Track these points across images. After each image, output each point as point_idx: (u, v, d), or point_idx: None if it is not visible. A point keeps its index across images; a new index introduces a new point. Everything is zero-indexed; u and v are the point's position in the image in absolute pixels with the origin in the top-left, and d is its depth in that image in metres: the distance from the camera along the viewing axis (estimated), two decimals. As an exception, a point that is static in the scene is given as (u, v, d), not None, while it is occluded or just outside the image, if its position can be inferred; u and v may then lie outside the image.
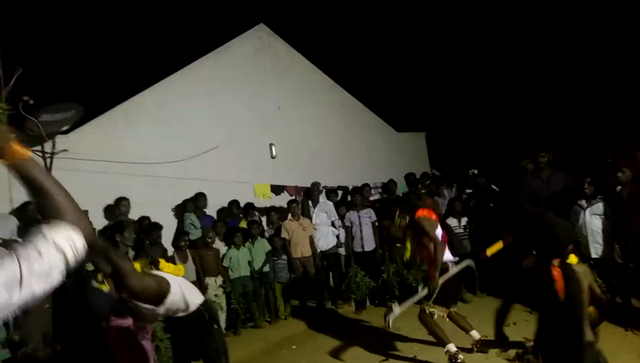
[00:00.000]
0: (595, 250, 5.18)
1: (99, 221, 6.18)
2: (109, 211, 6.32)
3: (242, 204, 7.30)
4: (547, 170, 5.95)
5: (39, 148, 6.11)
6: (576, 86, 9.89)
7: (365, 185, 7.79)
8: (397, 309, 4.38)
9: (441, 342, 4.31)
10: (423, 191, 7.33)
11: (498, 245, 4.98)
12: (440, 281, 4.24)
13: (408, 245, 4.64)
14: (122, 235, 3.89)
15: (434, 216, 4.45)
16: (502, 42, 10.90)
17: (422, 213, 4.40)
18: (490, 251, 4.96)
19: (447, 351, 4.23)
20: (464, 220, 6.74)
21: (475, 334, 4.47)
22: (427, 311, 4.38)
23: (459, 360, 4.15)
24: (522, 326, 4.03)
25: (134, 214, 6.22)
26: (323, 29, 11.07)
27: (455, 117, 11.40)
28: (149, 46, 9.26)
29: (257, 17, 8.85)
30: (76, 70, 8.62)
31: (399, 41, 11.77)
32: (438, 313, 4.39)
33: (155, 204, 6.49)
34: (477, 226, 6.68)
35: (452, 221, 6.70)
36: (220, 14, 9.99)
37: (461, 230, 6.66)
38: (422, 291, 4.41)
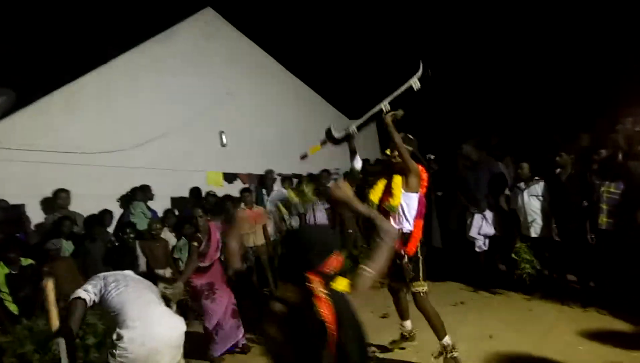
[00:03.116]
0: (535, 229, 5.46)
1: (37, 215, 5.84)
2: (46, 203, 5.98)
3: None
4: (475, 158, 6.20)
5: (-35, 137, 5.69)
6: (526, 69, 10.21)
7: (324, 171, 7.76)
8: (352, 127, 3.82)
9: (441, 333, 3.77)
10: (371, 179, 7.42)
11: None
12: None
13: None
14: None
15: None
16: (452, 24, 11.04)
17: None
18: None
19: (445, 345, 3.75)
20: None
21: (408, 324, 4.26)
22: (422, 293, 3.81)
23: (455, 355, 3.74)
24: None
25: (74, 207, 5.93)
26: (273, 14, 10.86)
27: (406, 103, 11.52)
28: (91, 27, 8.73)
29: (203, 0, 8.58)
30: (10, 52, 8.01)
31: (351, 27, 11.75)
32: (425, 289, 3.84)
33: (98, 196, 6.20)
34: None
35: None
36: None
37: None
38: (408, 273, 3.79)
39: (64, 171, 6.08)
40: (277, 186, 7.67)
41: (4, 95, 5.72)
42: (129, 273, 3.33)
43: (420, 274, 3.82)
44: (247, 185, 7.97)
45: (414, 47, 11.42)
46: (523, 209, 5.54)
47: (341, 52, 11.70)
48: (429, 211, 4.71)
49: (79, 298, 2.95)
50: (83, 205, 5.97)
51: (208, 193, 7.32)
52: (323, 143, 3.89)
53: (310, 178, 7.54)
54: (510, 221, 5.85)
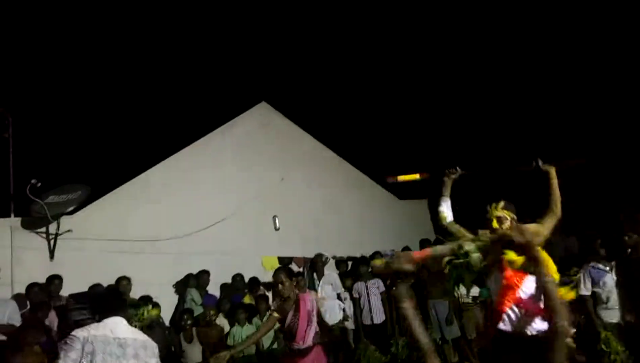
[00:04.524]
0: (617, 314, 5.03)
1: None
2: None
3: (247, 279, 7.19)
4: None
5: (43, 229, 6.17)
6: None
7: (377, 253, 7.65)
8: None
9: None
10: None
11: None
12: None
13: None
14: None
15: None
16: (495, 89, 11.07)
17: None
18: None
19: None
20: (473, 289, 6.59)
21: None
22: None
23: None
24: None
25: (135, 293, 6.11)
26: (324, 103, 11.48)
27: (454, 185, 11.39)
28: (154, 126, 9.57)
29: (258, 95, 9.25)
30: (84, 150, 8.87)
31: (399, 115, 12.12)
32: None
33: (158, 282, 6.40)
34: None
35: (461, 289, 6.64)
36: (222, 94, 10.42)
37: (469, 300, 6.51)
38: None
39: (127, 259, 6.38)
40: (328, 270, 7.59)
41: (79, 190, 6.23)
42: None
43: None
44: (300, 269, 7.97)
45: (457, 126, 11.54)
46: (613, 293, 5.12)
47: (387, 135, 12.00)
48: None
49: None
50: (142, 292, 6.15)
51: (253, 279, 7.18)
52: None
53: (362, 260, 7.42)
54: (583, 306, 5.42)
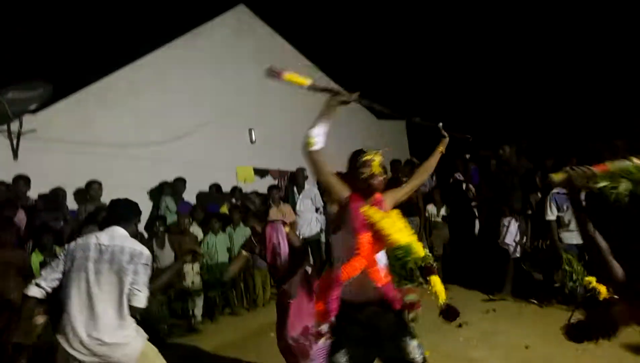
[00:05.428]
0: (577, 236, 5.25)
1: (70, 205, 5.92)
2: (79, 194, 6.07)
3: (223, 189, 7.14)
4: (512, 160, 6.02)
5: (4, 127, 5.82)
6: (556, 78, 9.97)
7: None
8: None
9: None
10: (404, 179, 7.27)
11: None
12: None
13: None
14: None
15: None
16: (485, 28, 10.87)
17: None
18: None
19: None
20: (444, 209, 6.80)
21: None
22: None
23: None
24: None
25: (106, 198, 5.98)
26: (304, 11, 10.83)
27: (434, 104, 11.38)
28: (122, 25, 8.88)
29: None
30: (45, 47, 8.20)
31: (382, 27, 11.64)
32: None
33: (130, 188, 6.24)
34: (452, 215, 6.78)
35: (432, 209, 6.87)
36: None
37: (439, 219, 6.79)
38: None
39: (95, 163, 6.16)
40: (308, 184, 7.58)
41: (41, 87, 5.80)
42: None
43: None
44: (276, 182, 7.94)
45: (441, 46, 11.25)
46: (572, 215, 5.31)
47: (370, 51, 11.60)
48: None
49: None
50: (113, 197, 6.02)
51: (235, 188, 7.32)
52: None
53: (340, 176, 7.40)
54: (545, 228, 5.63)
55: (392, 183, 7.00)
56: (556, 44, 10.19)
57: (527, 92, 10.35)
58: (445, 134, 3.14)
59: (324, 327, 2.46)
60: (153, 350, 2.77)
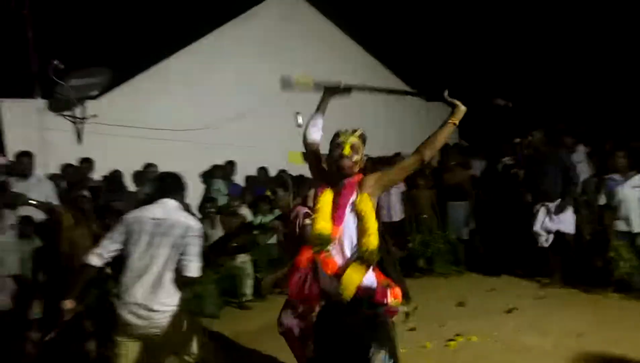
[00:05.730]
0: (636, 223, 5.00)
1: (128, 186, 6.26)
2: (137, 176, 6.38)
3: (271, 173, 7.29)
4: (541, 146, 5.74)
5: (68, 112, 6.20)
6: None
7: (397, 154, 7.58)
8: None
9: None
10: (453, 163, 7.12)
11: None
12: None
13: None
14: None
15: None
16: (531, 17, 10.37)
17: None
18: None
19: None
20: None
21: None
22: None
23: None
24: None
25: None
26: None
27: (484, 88, 11.01)
28: (176, 12, 9.14)
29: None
30: (105, 35, 8.59)
31: (433, 11, 11.33)
32: None
33: (184, 171, 6.50)
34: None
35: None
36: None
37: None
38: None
39: (152, 147, 6.45)
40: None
41: (101, 74, 6.12)
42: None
43: None
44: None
45: (491, 33, 10.87)
46: (624, 203, 5.07)
47: (418, 33, 11.34)
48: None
49: None
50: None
51: (282, 172, 7.42)
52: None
53: (382, 160, 7.35)
54: (597, 216, 5.41)
55: (441, 169, 6.86)
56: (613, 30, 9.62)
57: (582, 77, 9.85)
58: (457, 102, 2.46)
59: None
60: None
